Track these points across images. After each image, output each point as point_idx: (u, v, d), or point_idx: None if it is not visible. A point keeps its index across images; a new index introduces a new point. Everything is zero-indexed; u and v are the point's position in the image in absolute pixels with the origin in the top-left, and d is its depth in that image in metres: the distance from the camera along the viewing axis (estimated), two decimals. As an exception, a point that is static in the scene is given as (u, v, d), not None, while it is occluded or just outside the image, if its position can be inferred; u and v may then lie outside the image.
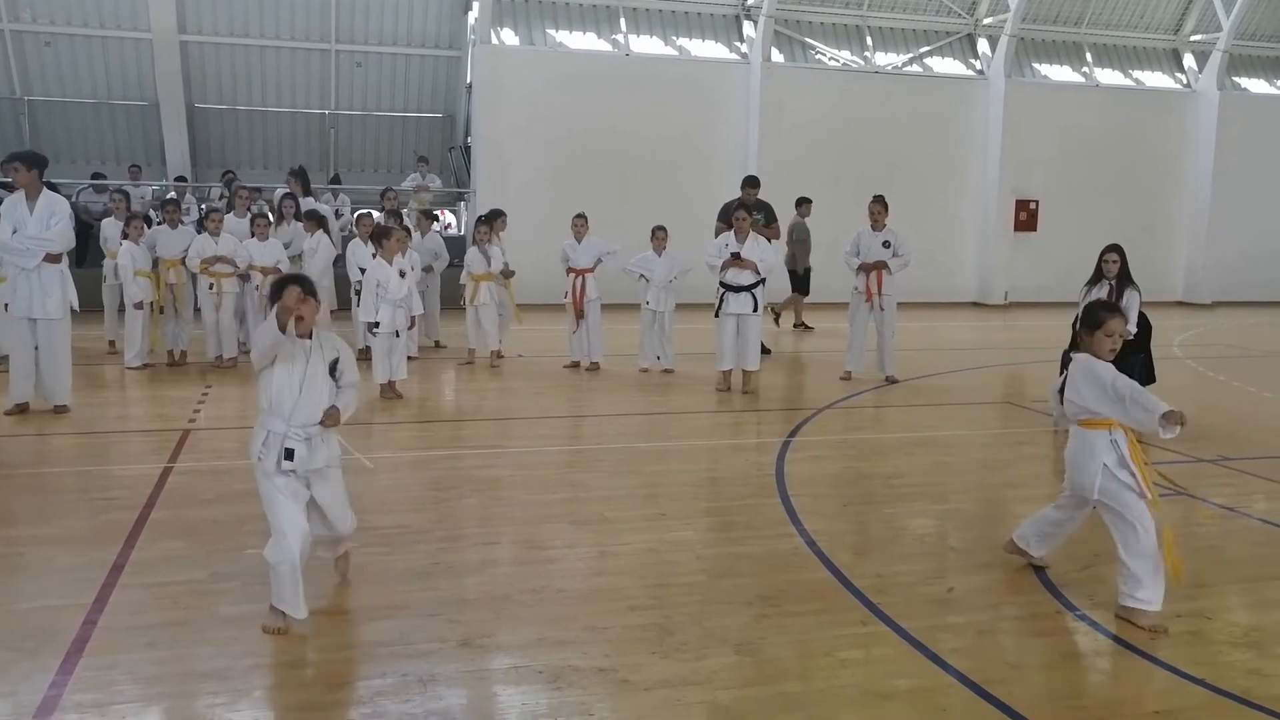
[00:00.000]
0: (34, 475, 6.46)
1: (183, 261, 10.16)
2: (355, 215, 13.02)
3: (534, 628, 4.19)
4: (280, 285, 4.10)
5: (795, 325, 14.72)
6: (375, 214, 11.56)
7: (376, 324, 8.81)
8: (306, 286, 4.10)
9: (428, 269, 11.28)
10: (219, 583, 4.62)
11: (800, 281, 14.70)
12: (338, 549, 4.64)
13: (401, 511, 5.80)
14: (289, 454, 4.10)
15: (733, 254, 9.39)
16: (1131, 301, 8.33)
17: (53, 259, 7.90)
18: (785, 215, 12.72)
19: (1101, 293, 8.43)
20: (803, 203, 14.76)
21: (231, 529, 5.33)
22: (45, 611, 4.25)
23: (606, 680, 3.74)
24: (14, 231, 7.81)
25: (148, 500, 5.79)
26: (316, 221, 10.69)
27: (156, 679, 3.70)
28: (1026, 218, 19.34)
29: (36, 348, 7.97)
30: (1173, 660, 4.02)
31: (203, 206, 12.58)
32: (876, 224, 10.21)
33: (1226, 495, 6.44)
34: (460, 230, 17.39)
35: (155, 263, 10.20)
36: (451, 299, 11.88)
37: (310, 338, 4.20)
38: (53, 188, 9.29)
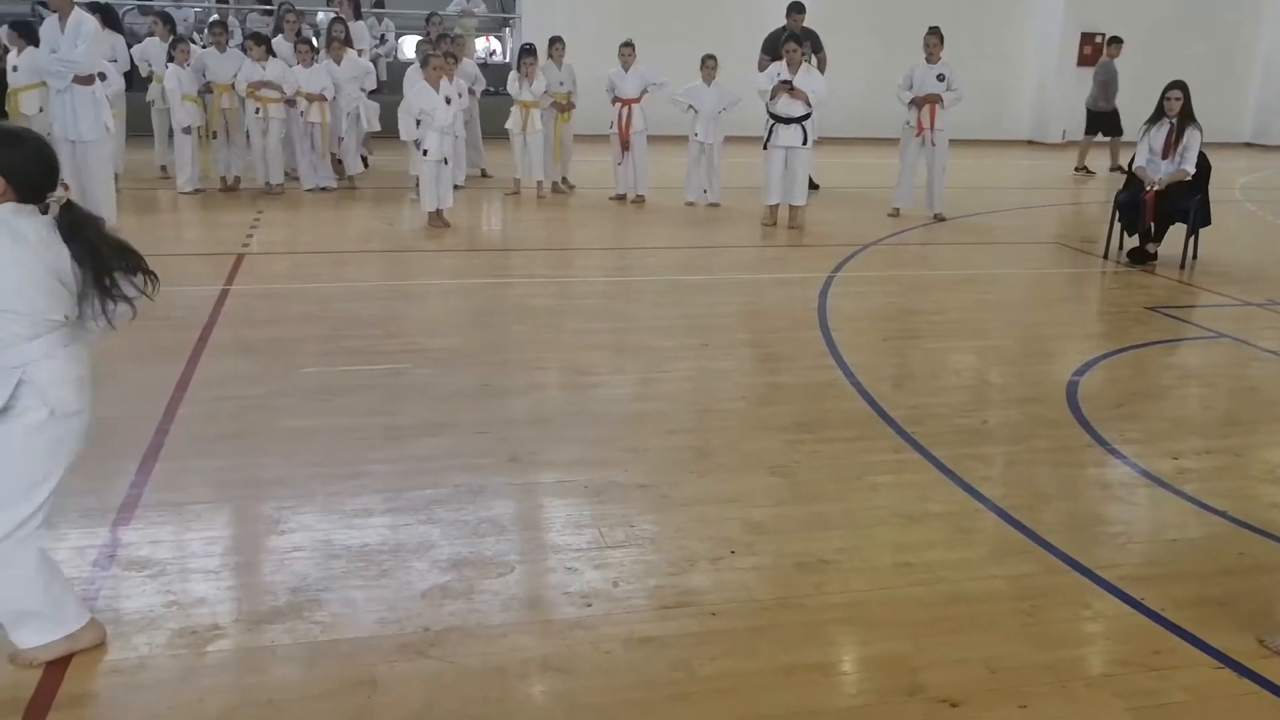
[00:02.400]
0: (98, 294, 6.69)
1: (232, 86, 10.13)
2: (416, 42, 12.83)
3: (578, 447, 4.38)
4: None
5: (1112, 169, 14.17)
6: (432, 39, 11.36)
7: (424, 150, 8.80)
8: None
9: (469, 93, 11.14)
10: (278, 399, 4.84)
11: (1104, 121, 14.29)
12: None
13: (450, 336, 5.97)
14: None
15: (784, 81, 9.20)
16: (1191, 141, 8.13)
17: (82, 80, 7.88)
18: (843, 47, 12.30)
19: (1162, 132, 8.24)
20: (1114, 42, 14.50)
21: (289, 349, 5.54)
22: (119, 421, 4.49)
23: (646, 495, 3.94)
24: (52, 52, 7.84)
25: (208, 320, 6.00)
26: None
27: (225, 483, 3.95)
28: (1091, 51, 18.53)
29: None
30: (1198, 494, 4.13)
31: (245, 28, 12.38)
32: (931, 56, 9.91)
33: (1271, 339, 6.42)
34: (505, 58, 17.04)
35: (205, 87, 10.20)
36: (493, 128, 11.78)
37: None
38: (96, 8, 9.23)
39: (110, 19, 10.32)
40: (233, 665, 2.85)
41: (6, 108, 9.27)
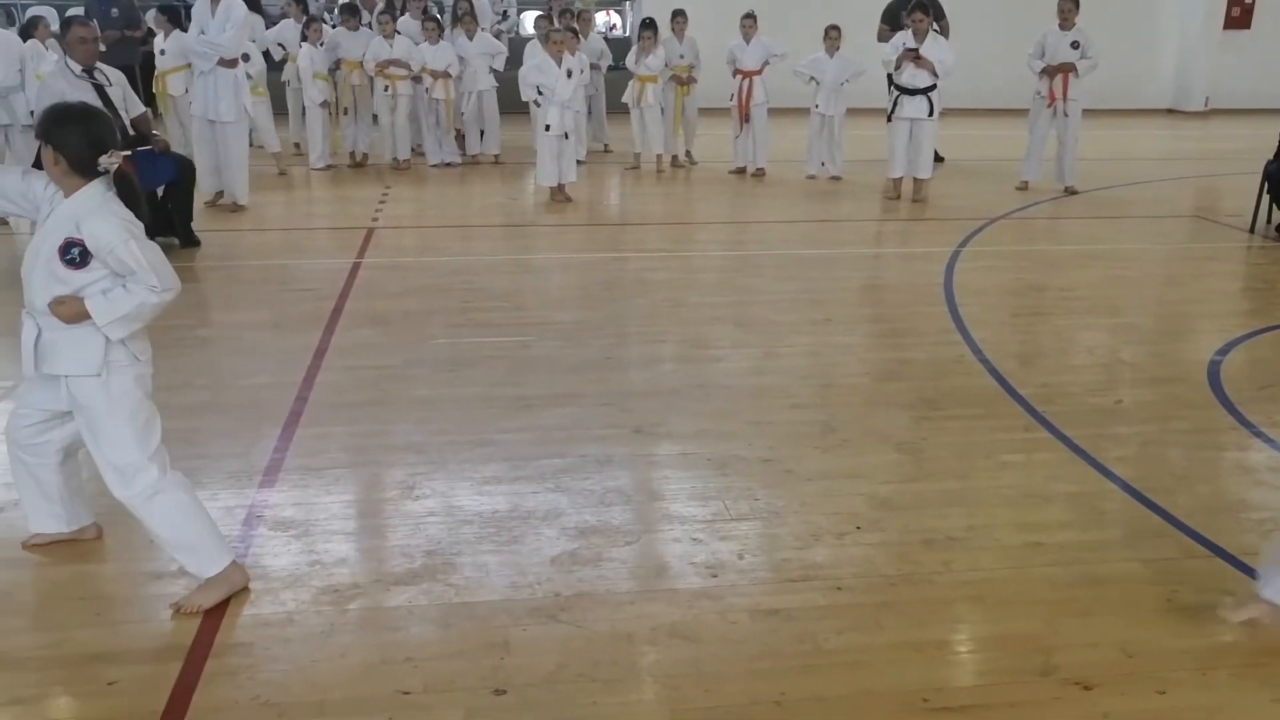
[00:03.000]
0: (240, 266, 7.00)
1: (361, 64, 10.41)
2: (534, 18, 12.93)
3: (701, 420, 4.41)
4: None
5: None
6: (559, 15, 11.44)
7: (547, 125, 8.90)
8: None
9: (594, 67, 11.21)
10: (410, 369, 5.00)
11: None
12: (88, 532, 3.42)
13: (575, 309, 6.06)
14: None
15: (909, 49, 9.01)
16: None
17: (226, 64, 8.15)
18: (968, 13, 11.95)
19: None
20: None
21: (419, 320, 5.71)
22: (263, 388, 4.72)
23: (770, 469, 3.95)
24: (201, 33, 8.18)
25: (341, 292, 6.21)
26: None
27: (363, 449, 4.10)
28: (1240, 13, 17.58)
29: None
30: (1352, 479, 3.94)
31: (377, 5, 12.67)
32: (1065, 22, 9.54)
33: None
34: (625, 31, 17.08)
35: (336, 65, 10.50)
36: (618, 103, 11.84)
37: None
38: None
39: (253, 2, 10.69)
40: (372, 623, 2.98)
41: (155, 90, 9.72)
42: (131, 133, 7.01)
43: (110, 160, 2.90)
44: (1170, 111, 17.84)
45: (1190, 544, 3.45)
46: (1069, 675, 2.76)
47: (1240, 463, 4.15)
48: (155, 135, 7.31)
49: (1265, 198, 8.15)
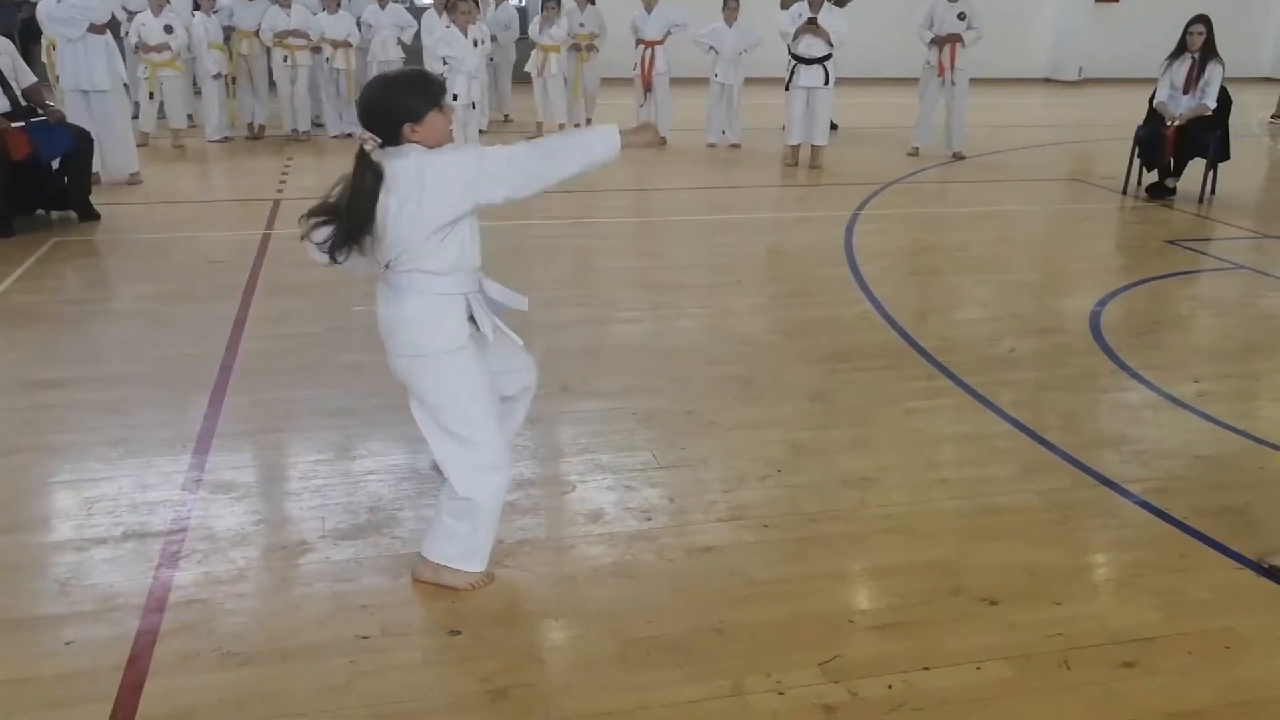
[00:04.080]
0: (143, 240, 6.87)
1: (257, 33, 10.22)
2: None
3: (624, 377, 4.59)
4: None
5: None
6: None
7: (454, 94, 8.90)
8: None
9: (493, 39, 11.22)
10: (333, 335, 5.04)
11: None
12: None
13: (489, 275, 6.13)
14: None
15: (809, 19, 9.27)
16: (1213, 76, 8.21)
17: (96, 29, 7.84)
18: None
19: (1183, 67, 8.31)
20: None
21: (337, 289, 5.72)
22: (187, 359, 4.72)
23: (694, 421, 4.15)
24: (58, 1, 7.79)
25: (254, 263, 6.20)
26: None
27: (294, 414, 4.17)
28: (1109, -12, 18.44)
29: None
30: (1218, 414, 4.32)
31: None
32: (953, -7, 9.94)
33: (1288, 269, 6.57)
34: (522, 2, 17.02)
35: (227, 35, 10.29)
36: (519, 73, 11.87)
37: None
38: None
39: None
40: (324, 575, 3.08)
41: (45, 60, 9.38)
42: (24, 103, 6.83)
43: None
44: (1048, 81, 18.62)
45: (1079, 475, 3.77)
46: (977, 594, 3.03)
47: (1120, 402, 4.51)
48: (49, 106, 7.12)
49: (1136, 161, 8.67)
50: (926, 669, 2.69)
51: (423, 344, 2.84)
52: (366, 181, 2.68)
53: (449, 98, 2.77)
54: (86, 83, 7.91)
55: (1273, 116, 13.45)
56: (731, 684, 2.62)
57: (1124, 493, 3.64)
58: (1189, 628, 2.89)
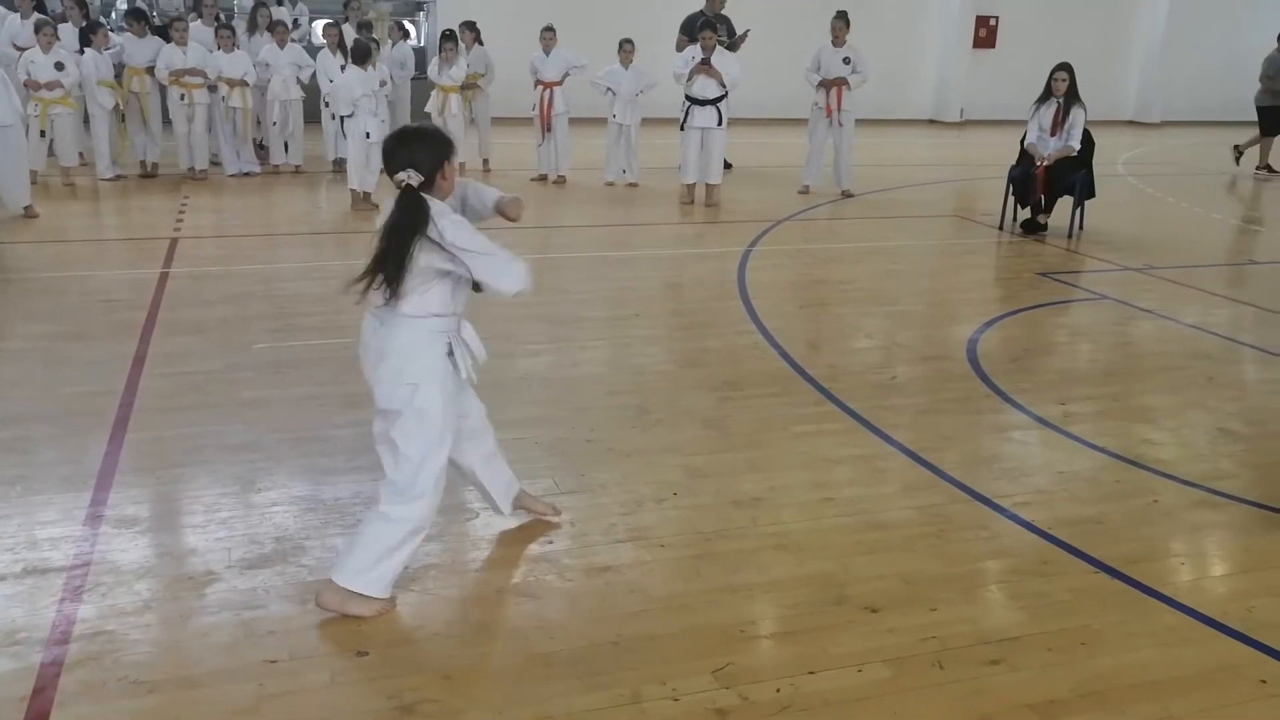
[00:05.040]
0: (36, 278, 6.77)
1: (149, 71, 10.13)
2: (322, 26, 12.85)
3: (526, 408, 4.73)
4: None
5: (1259, 168, 13.45)
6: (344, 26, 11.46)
7: (368, 133, 8.96)
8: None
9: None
10: (235, 372, 5.07)
11: (1272, 119, 13.23)
12: None
13: (393, 312, 6.22)
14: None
15: (702, 61, 9.59)
16: (1076, 119, 8.75)
17: None
18: (754, 31, 12.72)
19: (1049, 110, 8.84)
20: None
21: (237, 326, 5.77)
22: (85, 396, 4.70)
23: (594, 448, 4.31)
24: None
25: (153, 301, 6.17)
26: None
27: (197, 449, 4.19)
28: (986, 34, 19.38)
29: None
30: (1083, 434, 4.65)
31: (160, 13, 12.32)
32: (837, 40, 10.40)
33: (1148, 300, 7.04)
34: (420, 42, 17.12)
35: (119, 71, 10.18)
36: (418, 113, 11.98)
37: None
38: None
39: (41, 5, 10.23)
40: (230, 604, 3.14)
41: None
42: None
43: None
44: (931, 122, 19.44)
45: (955, 492, 4.03)
46: (859, 603, 3.24)
47: (993, 424, 4.82)
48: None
49: (1010, 199, 9.18)
50: (812, 673, 2.88)
51: (406, 371, 3.14)
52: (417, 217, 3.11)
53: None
54: None
55: (1258, 167, 13.48)
56: (630, 692, 2.77)
57: (995, 507, 3.91)
58: (1050, 627, 3.14)
